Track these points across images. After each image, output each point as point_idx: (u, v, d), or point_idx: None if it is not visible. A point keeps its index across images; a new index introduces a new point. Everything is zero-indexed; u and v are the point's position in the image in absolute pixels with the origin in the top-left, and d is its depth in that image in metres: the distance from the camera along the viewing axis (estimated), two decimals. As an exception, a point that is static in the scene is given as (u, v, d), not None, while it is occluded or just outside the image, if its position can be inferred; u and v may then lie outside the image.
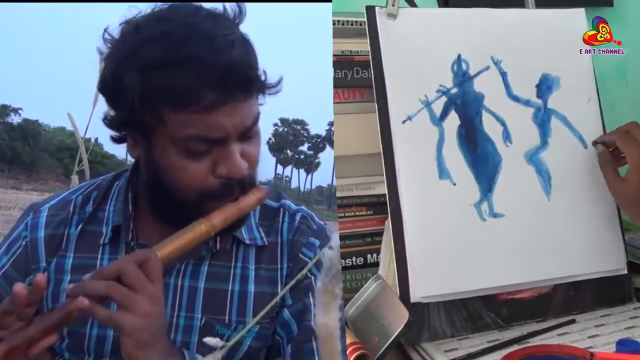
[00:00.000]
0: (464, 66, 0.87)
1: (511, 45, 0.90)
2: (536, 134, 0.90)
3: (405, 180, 0.81)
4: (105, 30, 0.66)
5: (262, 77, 0.66)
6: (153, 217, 0.69)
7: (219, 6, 0.66)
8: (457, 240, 0.83)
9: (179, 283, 0.68)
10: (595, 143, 0.91)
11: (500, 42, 0.90)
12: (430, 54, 0.86)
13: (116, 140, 0.68)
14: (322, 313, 0.45)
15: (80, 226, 0.71)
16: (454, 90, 0.86)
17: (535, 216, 0.87)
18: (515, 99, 0.90)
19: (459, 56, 0.87)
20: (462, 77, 0.87)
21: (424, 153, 0.83)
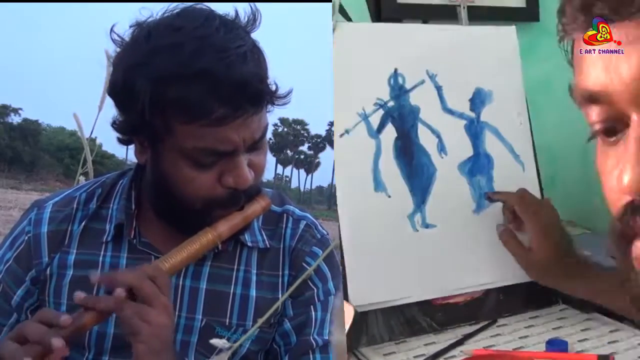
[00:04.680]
0: (400, 80, 0.89)
1: (446, 59, 0.93)
2: (469, 146, 0.93)
3: (342, 192, 0.83)
4: (111, 29, 0.65)
5: (273, 88, 0.65)
6: (156, 216, 0.70)
7: (230, 11, 0.65)
8: (391, 251, 0.85)
9: (181, 283, 0.69)
10: (490, 199, 0.90)
11: (435, 56, 0.92)
12: (368, 68, 0.88)
13: (123, 142, 0.68)
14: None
15: (83, 223, 0.71)
16: (391, 104, 0.88)
17: (466, 225, 0.90)
18: (450, 112, 0.92)
19: (395, 70, 0.89)
20: (399, 91, 0.89)
21: (361, 166, 0.85)
